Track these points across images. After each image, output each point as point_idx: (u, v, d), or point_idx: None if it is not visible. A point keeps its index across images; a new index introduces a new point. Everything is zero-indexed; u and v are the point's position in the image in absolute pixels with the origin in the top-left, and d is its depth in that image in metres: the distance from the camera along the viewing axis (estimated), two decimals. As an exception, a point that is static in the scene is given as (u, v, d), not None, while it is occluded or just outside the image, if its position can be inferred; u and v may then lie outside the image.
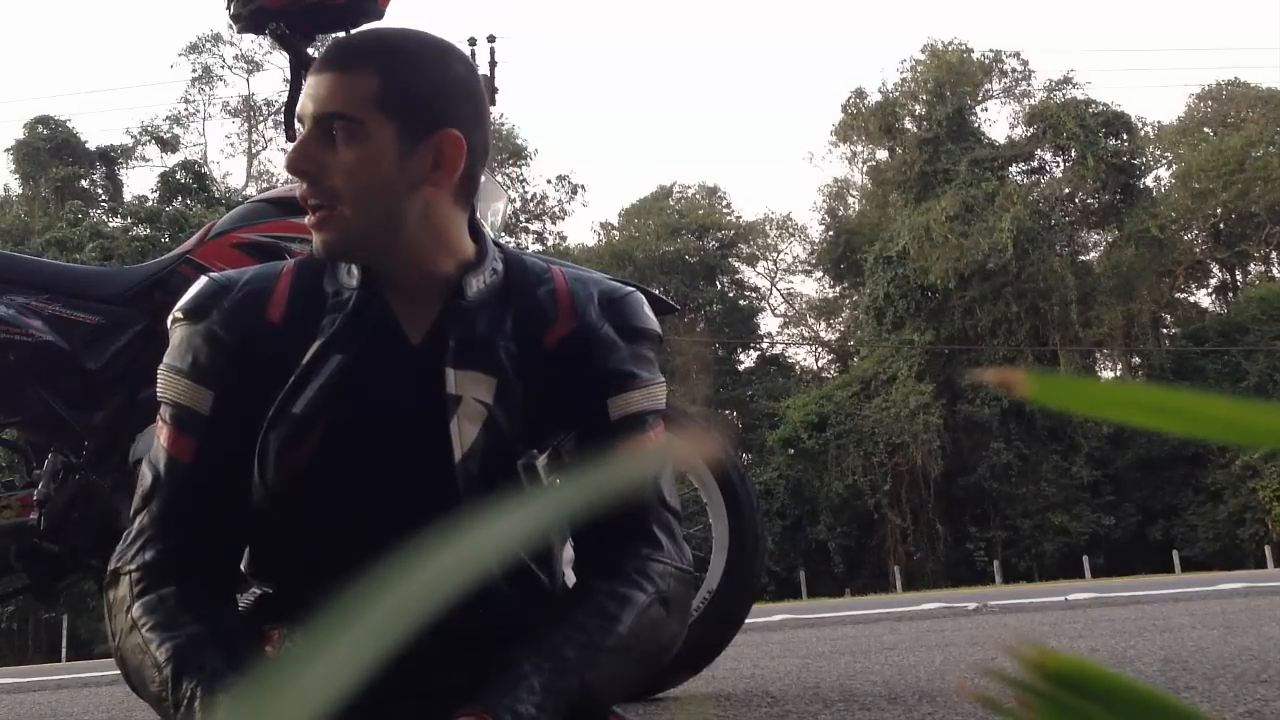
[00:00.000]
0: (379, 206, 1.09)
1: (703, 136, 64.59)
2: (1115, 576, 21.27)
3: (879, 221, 33.31)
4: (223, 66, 35.41)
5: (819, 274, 38.97)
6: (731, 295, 38.75)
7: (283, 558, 1.14)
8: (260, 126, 36.16)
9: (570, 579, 1.19)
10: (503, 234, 2.65)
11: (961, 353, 29.72)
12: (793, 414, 29.77)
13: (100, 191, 33.77)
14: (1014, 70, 33.64)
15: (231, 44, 34.70)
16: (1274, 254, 34.76)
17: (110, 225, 29.38)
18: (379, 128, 1.08)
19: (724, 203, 40.21)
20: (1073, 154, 31.13)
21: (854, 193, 37.60)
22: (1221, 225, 34.27)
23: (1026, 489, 28.21)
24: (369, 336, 1.11)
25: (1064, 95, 32.06)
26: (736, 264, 38.96)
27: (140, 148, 34.87)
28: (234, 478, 1.11)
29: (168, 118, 35.69)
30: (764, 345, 38.77)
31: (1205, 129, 37.33)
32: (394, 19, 2.19)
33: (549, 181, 36.05)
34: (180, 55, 42.72)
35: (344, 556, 0.87)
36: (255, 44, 32.46)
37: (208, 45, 34.79)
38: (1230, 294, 35.27)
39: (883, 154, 34.71)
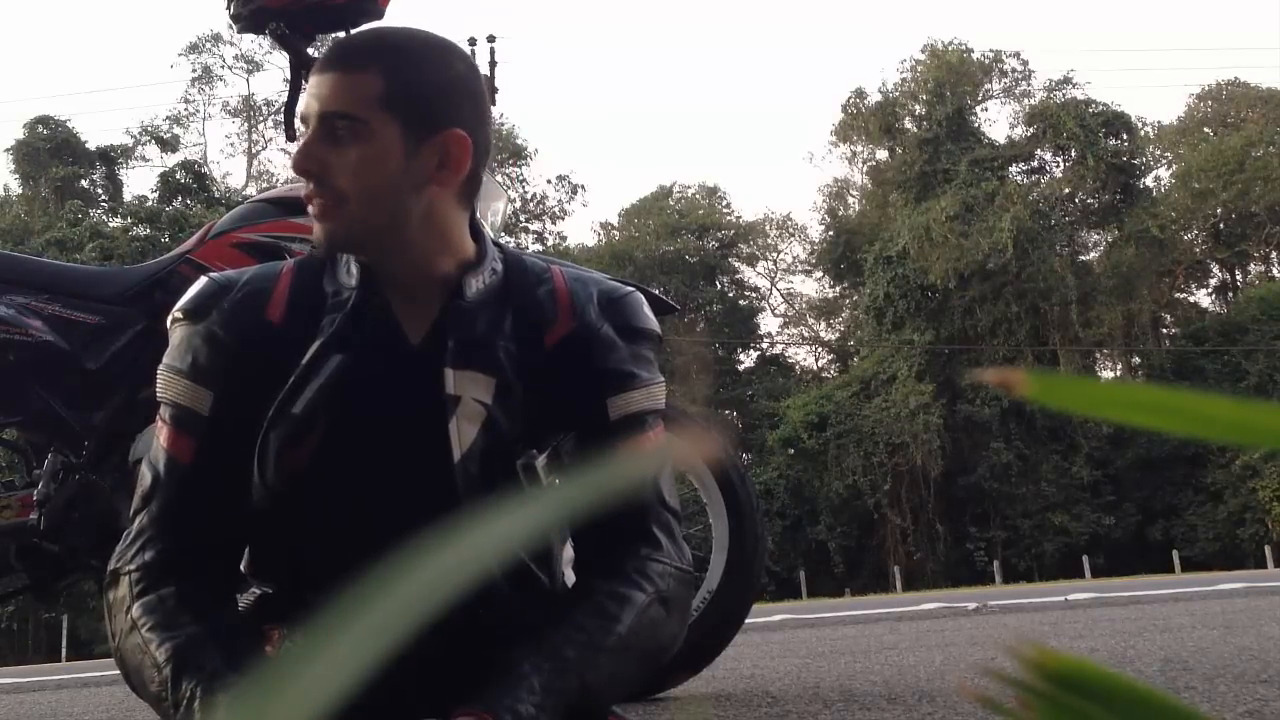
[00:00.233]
0: (384, 205, 1.09)
1: (703, 136, 64.63)
2: (1115, 576, 21.26)
3: (879, 221, 33.31)
4: (223, 66, 35.45)
5: (819, 274, 38.99)
6: (731, 295, 38.75)
7: (282, 558, 1.14)
8: (260, 126, 36.18)
9: (570, 579, 1.19)
10: (503, 234, 2.65)
11: (961, 353, 29.72)
12: (793, 414, 29.78)
13: (100, 191, 33.77)
14: (1014, 70, 33.67)
15: (231, 44, 34.74)
16: (1274, 254, 34.77)
17: (110, 225, 29.38)
18: (384, 127, 1.08)
19: (724, 203, 40.23)
20: (1073, 154, 31.13)
21: (854, 193, 37.63)
22: (1221, 225, 34.27)
23: (1026, 489, 28.21)
24: (369, 336, 1.12)
25: (1064, 95, 32.07)
26: (736, 264, 38.97)
27: (140, 148, 34.91)
28: (233, 478, 1.11)
29: (168, 118, 35.74)
30: (764, 345, 38.78)
31: (1205, 129, 37.33)
32: (394, 19, 2.19)
33: (549, 181, 36.11)
34: (180, 55, 42.77)
35: (343, 556, 0.87)
36: (255, 44, 32.49)
37: (208, 45, 34.82)
38: (1230, 294, 35.27)
39: (883, 154, 34.72)
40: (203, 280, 1.17)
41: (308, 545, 1.11)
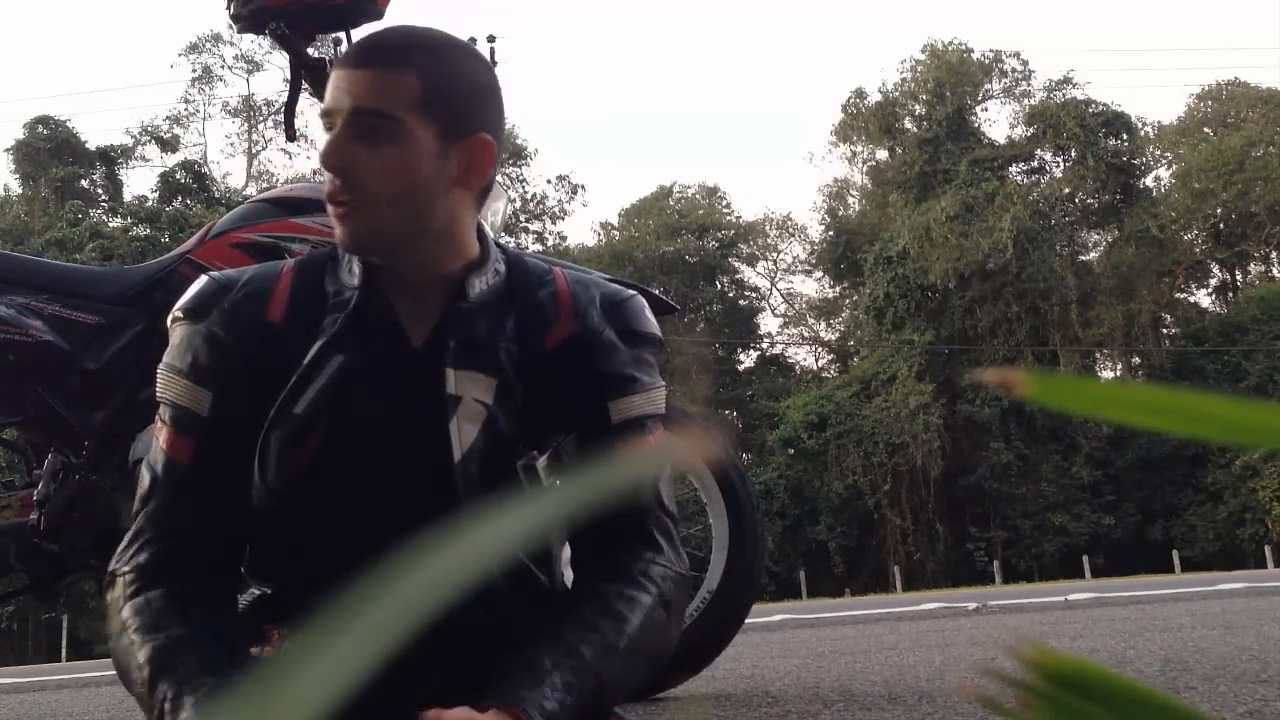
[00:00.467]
0: (413, 208, 1.08)
1: (703, 136, 64.63)
2: (1115, 576, 21.26)
3: (879, 221, 33.31)
4: (223, 66, 35.44)
5: (819, 274, 38.98)
6: (731, 295, 38.75)
7: (282, 558, 1.14)
8: (260, 126, 36.18)
9: (569, 579, 1.19)
10: (503, 234, 2.65)
11: (961, 353, 29.72)
12: (793, 414, 29.77)
13: (100, 191, 33.76)
14: (1014, 70, 33.67)
15: (231, 44, 34.72)
16: (1274, 254, 34.76)
17: (110, 225, 29.37)
18: (419, 129, 1.07)
19: (724, 203, 40.23)
20: (1073, 154, 31.13)
21: (854, 193, 37.63)
22: (1221, 225, 34.27)
23: (1026, 489, 28.21)
24: (370, 337, 1.11)
25: (1064, 95, 32.06)
26: (736, 264, 38.96)
27: (140, 148, 34.89)
28: (233, 478, 1.10)
29: (168, 118, 35.72)
30: (764, 345, 38.78)
31: (1205, 129, 37.32)
32: (394, 19, 2.19)
33: (549, 181, 36.10)
34: (180, 55, 42.76)
35: (343, 557, 0.87)
36: (255, 44, 32.48)
37: (208, 45, 34.81)
38: (1230, 294, 35.27)
39: (883, 154, 34.72)
40: (203, 279, 1.17)
41: (307, 545, 1.11)
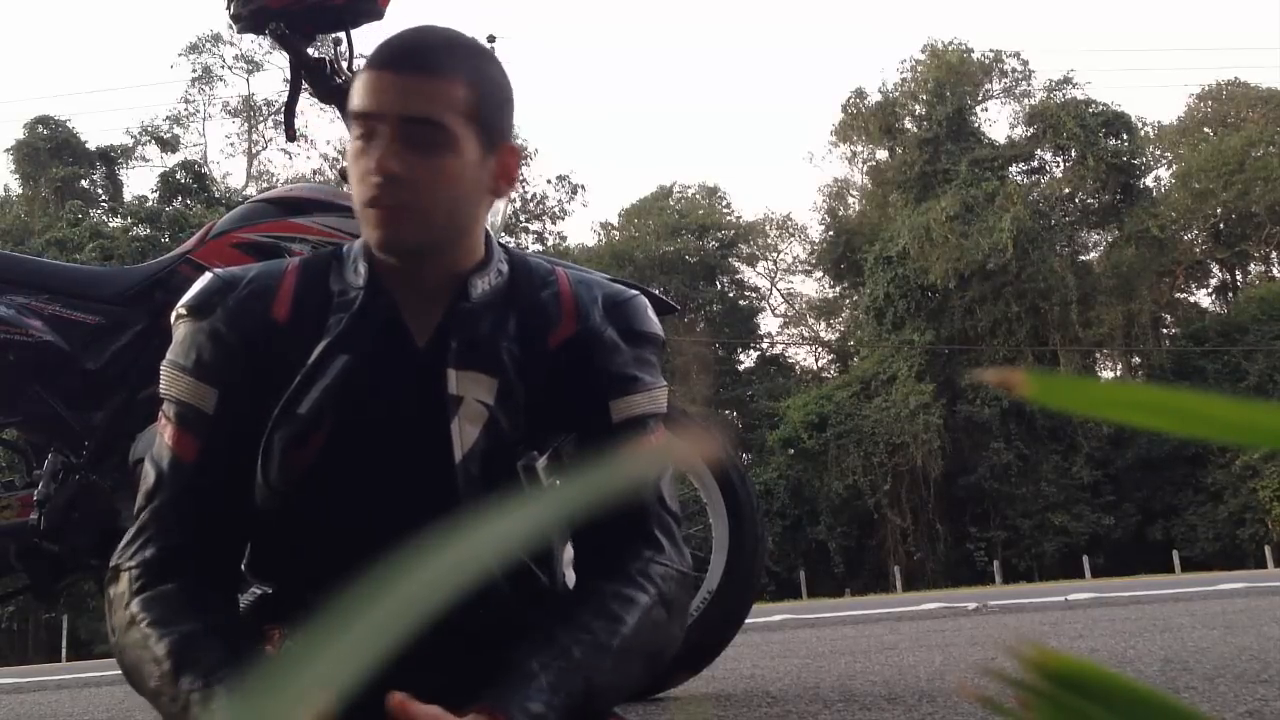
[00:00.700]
0: (458, 216, 1.09)
1: (703, 136, 64.63)
2: (1115, 576, 21.26)
3: (879, 221, 33.30)
4: (223, 66, 35.41)
5: (819, 274, 38.98)
6: (731, 295, 38.74)
7: (283, 557, 1.14)
8: (260, 126, 36.16)
9: (571, 579, 1.19)
10: (502, 234, 2.65)
11: (961, 353, 29.72)
12: (793, 414, 29.77)
13: (100, 191, 33.76)
14: (1014, 70, 33.66)
15: (231, 44, 34.70)
16: (1274, 254, 34.76)
17: (110, 225, 29.36)
18: (466, 137, 1.08)
19: (724, 203, 40.23)
20: (1073, 154, 31.13)
21: (854, 193, 37.62)
22: (1221, 225, 34.27)
23: (1026, 489, 28.20)
24: (375, 337, 1.12)
25: (1064, 95, 32.06)
26: (736, 264, 38.96)
27: (140, 148, 34.88)
28: (236, 476, 1.11)
29: (168, 118, 35.70)
30: (764, 345, 38.78)
31: (1205, 129, 37.33)
32: (394, 19, 2.19)
33: (549, 181, 36.07)
34: (180, 55, 42.78)
35: (344, 557, 0.87)
36: (255, 44, 32.48)
37: (208, 45, 34.79)
38: (1230, 294, 35.27)
39: (883, 154, 34.72)
40: (207, 277, 1.17)
41: (308, 545, 1.11)
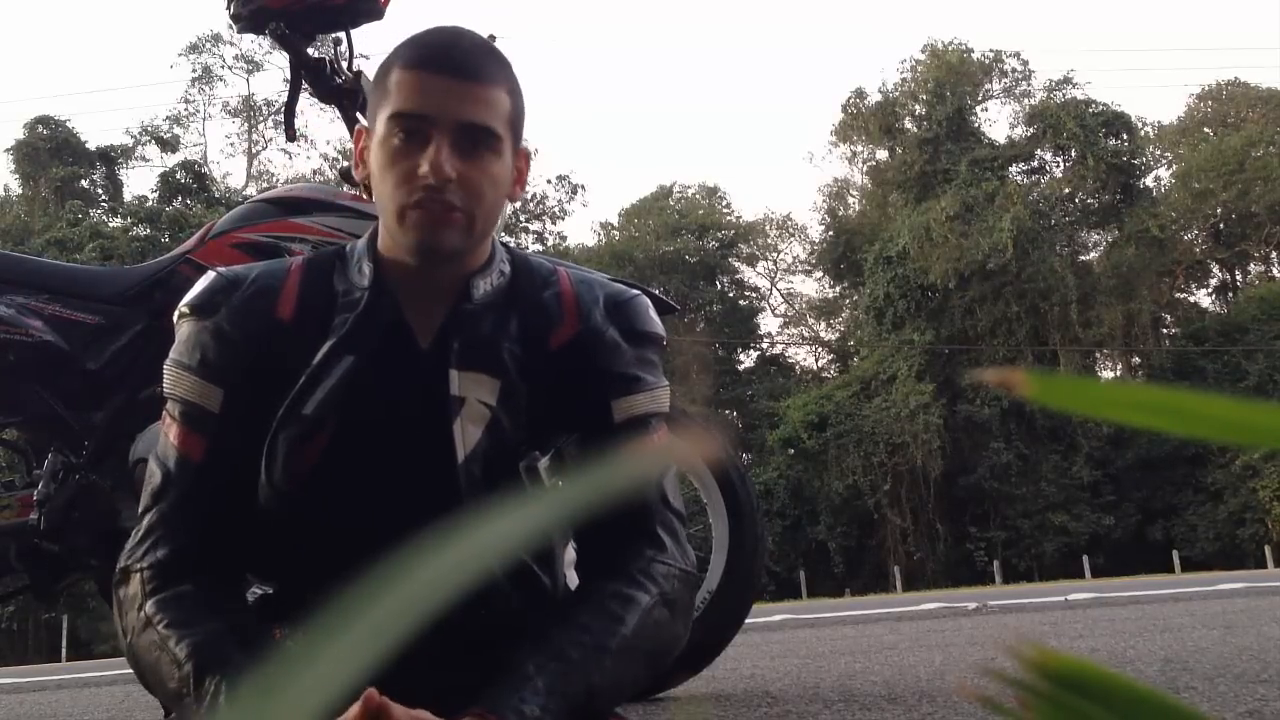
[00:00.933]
0: (494, 220, 1.13)
1: (703, 136, 64.63)
2: (1115, 576, 21.25)
3: (879, 221, 33.30)
4: (223, 66, 35.41)
5: (819, 274, 38.98)
6: (731, 295, 38.74)
7: (285, 557, 1.14)
8: (260, 126, 36.15)
9: (573, 581, 1.19)
10: (502, 233, 2.65)
11: (961, 353, 29.72)
12: (793, 414, 29.77)
13: (100, 191, 33.75)
14: (1014, 70, 33.66)
15: (231, 44, 34.69)
16: (1274, 254, 34.76)
17: (110, 225, 29.36)
18: (506, 144, 1.11)
19: (724, 203, 40.23)
20: (1073, 154, 31.13)
21: (854, 193, 37.62)
22: (1221, 225, 34.27)
23: (1026, 489, 28.20)
24: (380, 338, 1.12)
25: (1064, 95, 32.06)
26: (736, 264, 38.96)
27: (140, 148, 34.87)
28: (240, 476, 1.11)
29: (168, 118, 35.69)
30: (764, 345, 38.78)
31: (1205, 129, 37.33)
32: (394, 19, 2.19)
33: (549, 181, 35.96)
34: (180, 55, 42.73)
35: (346, 557, 0.87)
36: (255, 44, 32.47)
37: (208, 45, 34.78)
38: (1230, 294, 35.27)
39: (883, 154, 34.71)
40: (210, 275, 1.17)
41: (310, 545, 1.11)
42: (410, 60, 1.09)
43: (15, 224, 30.48)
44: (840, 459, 28.81)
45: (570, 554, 1.22)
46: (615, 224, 40.08)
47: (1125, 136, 31.43)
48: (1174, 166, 36.05)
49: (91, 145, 33.28)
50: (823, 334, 39.74)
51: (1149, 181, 33.40)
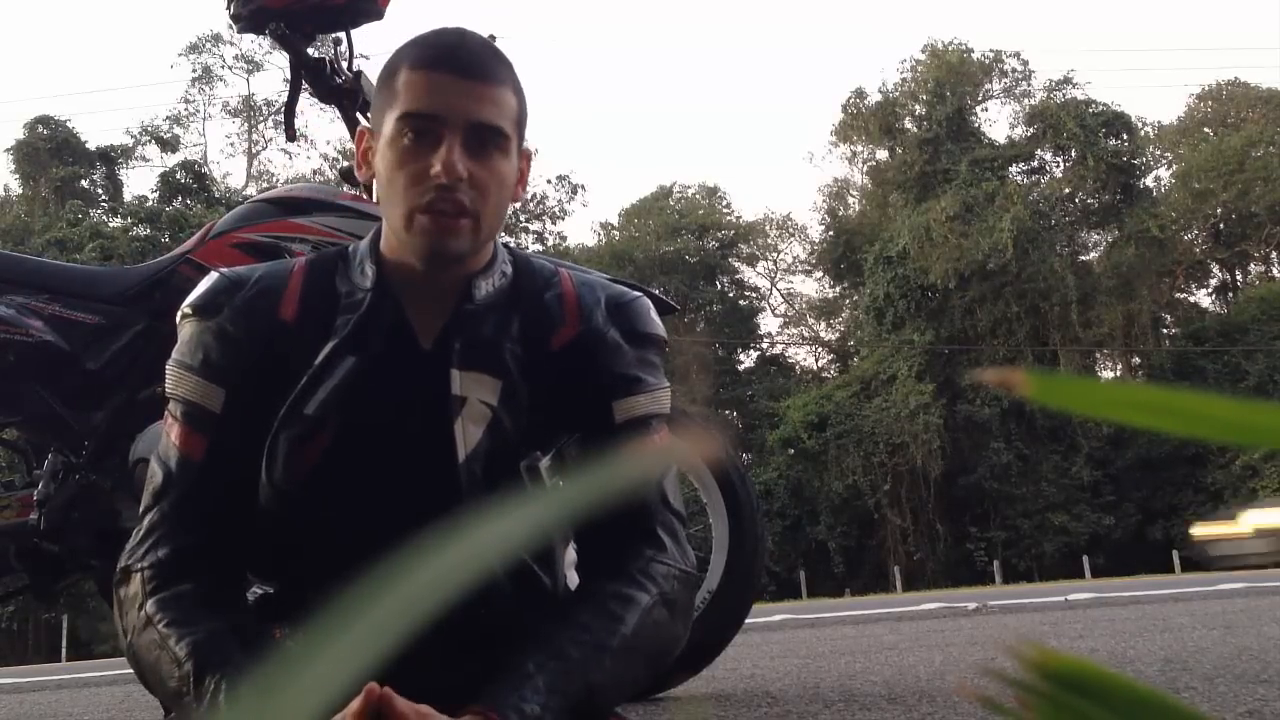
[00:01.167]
0: (500, 219, 1.13)
1: (703, 136, 64.63)
2: (1115, 576, 21.25)
3: (879, 221, 33.30)
4: (223, 66, 35.40)
5: (819, 274, 38.98)
6: (731, 295, 38.74)
7: (285, 557, 1.14)
8: (260, 126, 36.15)
9: (573, 581, 1.19)
10: (502, 233, 2.65)
11: (961, 353, 29.72)
12: (793, 414, 29.77)
13: (100, 191, 33.75)
14: (1014, 70, 33.66)
15: (231, 44, 34.69)
16: (1274, 254, 34.76)
17: (110, 225, 29.36)
18: (513, 144, 1.12)
19: (724, 203, 40.22)
20: (1073, 154, 31.12)
21: (854, 193, 37.62)
22: (1221, 225, 34.27)
23: (1026, 489, 28.20)
24: (382, 339, 1.12)
25: (1064, 95, 32.06)
26: (736, 264, 38.95)
27: (140, 148, 34.86)
28: (242, 476, 1.11)
29: (168, 118, 35.67)
30: (764, 345, 38.78)
31: (1205, 129, 37.32)
32: (394, 19, 2.19)
33: (549, 181, 35.96)
34: (180, 55, 42.74)
35: (346, 556, 0.87)
36: (255, 44, 32.47)
37: (208, 45, 34.78)
38: (1230, 294, 35.27)
39: (883, 154, 34.71)
40: (213, 276, 1.17)
41: (311, 545, 1.11)
42: (418, 61, 1.09)
43: (15, 224, 30.47)
44: (840, 459, 28.81)
45: (570, 554, 1.22)
46: (615, 224, 40.10)
47: (1125, 136, 31.43)
48: (1174, 166, 36.06)
49: (91, 145, 33.28)
50: (823, 334, 39.76)
51: (1149, 181, 33.42)
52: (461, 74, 1.08)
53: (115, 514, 2.09)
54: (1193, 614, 4.14)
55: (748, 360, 38.37)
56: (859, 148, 35.86)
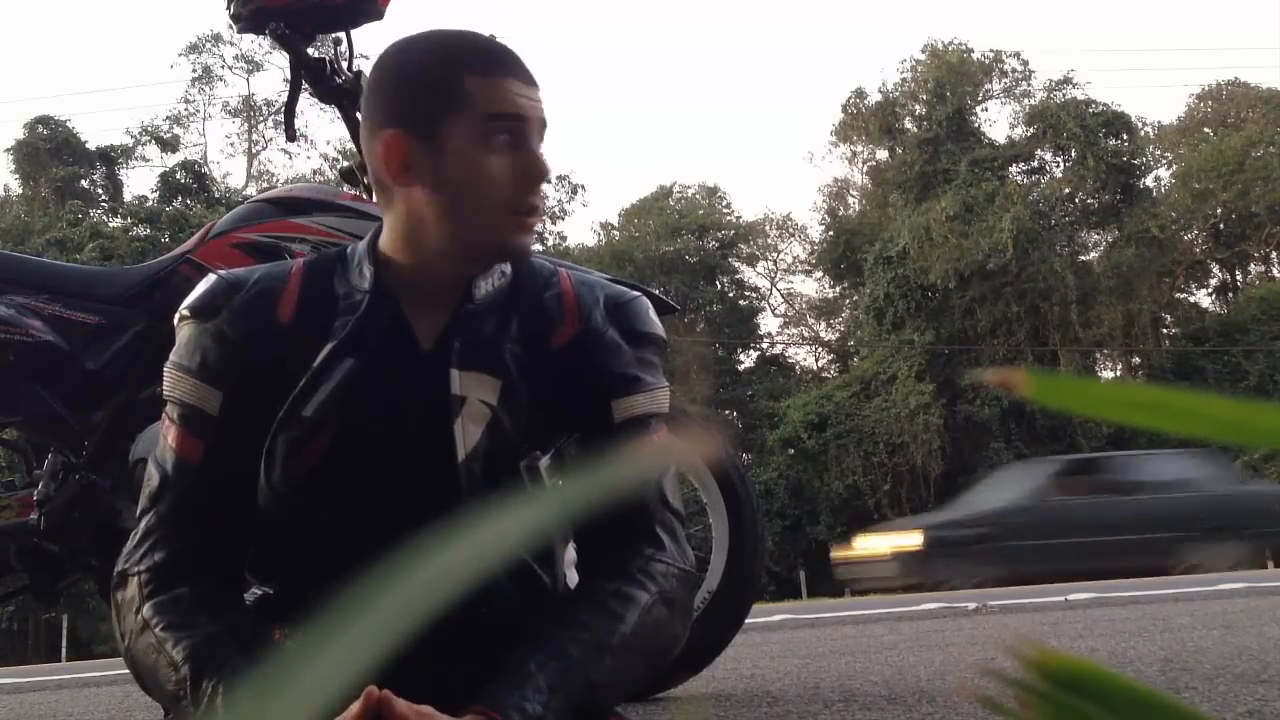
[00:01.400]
0: None
1: (703, 136, 64.51)
2: (1115, 577, 21.22)
3: (879, 221, 33.30)
4: (223, 66, 35.39)
5: (819, 274, 38.95)
6: (731, 295, 38.73)
7: (285, 558, 1.14)
8: (260, 126, 36.13)
9: (573, 581, 1.19)
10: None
11: (961, 353, 29.72)
12: (793, 414, 29.76)
13: (100, 191, 33.75)
14: (1014, 70, 33.66)
15: (231, 44, 34.66)
16: (1274, 254, 34.76)
17: (110, 225, 29.35)
18: None
19: (724, 203, 40.20)
20: (1073, 154, 31.11)
21: (854, 193, 37.61)
22: (1221, 225, 34.27)
23: (1027, 489, 28.18)
24: (381, 340, 1.12)
25: (1064, 95, 32.05)
26: (736, 264, 38.94)
27: (140, 148, 34.86)
28: (240, 478, 1.11)
29: (168, 118, 35.66)
30: (764, 345, 38.77)
31: (1205, 129, 37.33)
32: (394, 19, 2.19)
33: (549, 181, 35.91)
34: (180, 55, 42.63)
35: (346, 557, 0.87)
36: (255, 44, 32.45)
37: (208, 45, 34.77)
38: (1230, 294, 35.26)
39: (883, 154, 34.69)
40: (211, 278, 1.17)
41: (310, 545, 1.11)
42: (485, 66, 1.11)
43: (15, 224, 30.48)
44: (840, 459, 28.81)
45: (570, 554, 1.22)
46: (615, 224, 40.11)
47: (1125, 136, 31.42)
48: (1174, 166, 36.06)
49: (91, 145, 33.28)
50: (823, 334, 39.75)
51: (1149, 181, 33.39)
52: (522, 76, 1.12)
53: (115, 514, 2.09)
54: (1193, 614, 4.14)
55: (748, 360, 38.37)
56: (859, 148, 35.85)
